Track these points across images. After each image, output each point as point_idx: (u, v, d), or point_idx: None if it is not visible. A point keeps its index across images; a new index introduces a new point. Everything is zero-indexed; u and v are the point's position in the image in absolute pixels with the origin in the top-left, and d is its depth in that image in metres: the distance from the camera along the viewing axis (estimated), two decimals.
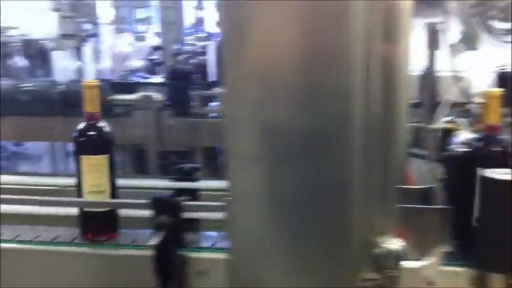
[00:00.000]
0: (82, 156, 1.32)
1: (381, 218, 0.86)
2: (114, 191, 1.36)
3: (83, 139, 1.33)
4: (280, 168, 0.86)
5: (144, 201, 1.28)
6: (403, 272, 0.88)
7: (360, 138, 0.81)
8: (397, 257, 0.87)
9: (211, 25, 3.29)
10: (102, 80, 2.91)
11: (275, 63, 0.84)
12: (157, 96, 2.75)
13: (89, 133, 1.33)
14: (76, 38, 2.77)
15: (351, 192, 0.83)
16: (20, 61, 2.85)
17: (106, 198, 1.34)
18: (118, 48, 3.02)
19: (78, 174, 1.33)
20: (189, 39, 3.13)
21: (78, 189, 1.34)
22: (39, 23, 3.23)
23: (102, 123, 1.33)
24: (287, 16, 0.82)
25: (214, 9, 3.25)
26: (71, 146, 3.05)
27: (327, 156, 0.83)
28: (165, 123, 2.81)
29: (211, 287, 1.24)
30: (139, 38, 3.13)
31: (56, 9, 2.75)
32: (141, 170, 2.95)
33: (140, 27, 3.15)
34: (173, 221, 1.19)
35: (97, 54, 3.02)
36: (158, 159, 2.81)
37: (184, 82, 2.86)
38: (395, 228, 0.88)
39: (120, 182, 1.64)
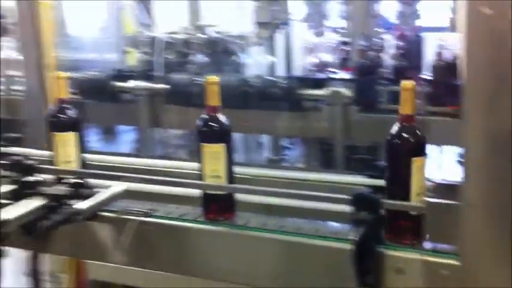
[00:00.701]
0: (203, 144, 1.49)
1: None
2: (232, 177, 1.52)
3: (204, 129, 1.52)
4: None
5: (342, 196, 1.33)
6: None
7: None
8: None
9: (398, 19, 3.23)
10: (291, 76, 3.07)
11: None
12: (345, 91, 2.78)
13: (210, 124, 1.51)
14: (270, 26, 2.92)
15: None
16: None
17: (223, 183, 1.50)
18: (307, 43, 3.13)
19: (199, 160, 1.51)
20: (378, 33, 3.12)
21: (201, 174, 1.52)
22: (235, 20, 3.47)
23: (221, 116, 1.51)
24: None
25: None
26: (263, 138, 3.22)
27: None
28: (352, 119, 2.84)
29: (407, 286, 1.26)
30: (329, 33, 3.20)
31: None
32: (327, 164, 3.03)
33: (330, 23, 3.21)
34: (373, 218, 1.22)
35: (287, 50, 3.16)
36: (344, 154, 2.85)
37: (371, 77, 2.86)
38: None
39: (305, 175, 1.73)
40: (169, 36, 3.27)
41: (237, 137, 3.42)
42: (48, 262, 3.47)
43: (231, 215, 1.54)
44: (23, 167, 1.60)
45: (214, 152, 1.49)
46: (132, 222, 1.53)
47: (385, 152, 1.36)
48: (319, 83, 2.91)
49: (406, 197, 1.30)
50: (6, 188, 1.61)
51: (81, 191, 1.52)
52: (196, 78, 3.05)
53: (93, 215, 1.51)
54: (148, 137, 3.32)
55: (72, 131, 1.72)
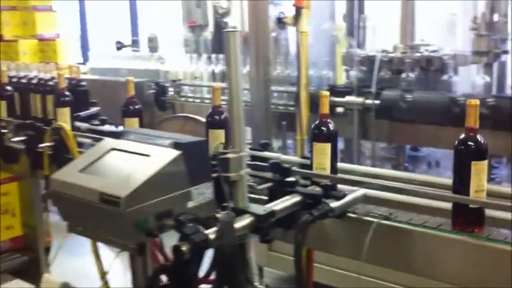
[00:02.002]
0: (314, 142, 1.91)
1: None
2: (334, 169, 1.91)
3: (316, 131, 1.91)
4: None
5: None
6: None
7: None
8: None
9: None
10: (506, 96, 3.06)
11: None
12: None
13: (320, 127, 1.90)
14: (489, 55, 2.97)
15: None
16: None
17: (327, 173, 1.89)
18: None
19: (311, 156, 1.93)
20: None
21: (310, 167, 1.92)
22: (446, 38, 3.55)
23: (330, 122, 1.89)
24: None
25: None
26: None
27: None
28: None
29: None
30: None
31: (473, 29, 3.00)
32: None
33: None
34: None
35: (505, 70, 3.15)
36: None
37: None
38: None
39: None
40: (382, 54, 3.46)
41: (444, 153, 3.50)
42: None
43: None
44: (281, 169, 1.89)
45: (321, 149, 1.90)
46: (373, 224, 1.73)
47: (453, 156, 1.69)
48: None
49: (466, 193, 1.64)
50: (263, 186, 1.92)
51: (332, 192, 1.76)
52: (406, 96, 3.22)
53: (342, 213, 1.75)
54: (357, 148, 3.54)
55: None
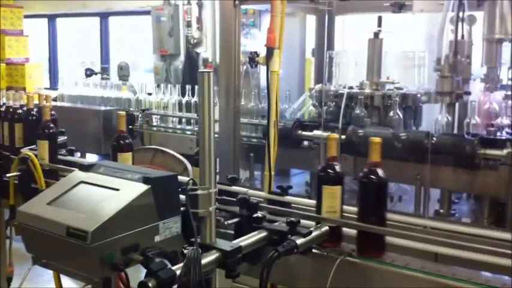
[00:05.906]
0: (322, 186, 1.88)
1: None
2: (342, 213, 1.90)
3: (322, 174, 1.89)
4: None
5: None
6: None
7: None
8: None
9: None
10: (470, 135, 3.17)
11: None
12: None
13: (328, 170, 1.88)
14: (452, 95, 3.08)
15: None
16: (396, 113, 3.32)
17: (338, 217, 1.88)
18: (486, 104, 3.21)
19: (319, 199, 1.88)
20: None
21: (318, 210, 1.90)
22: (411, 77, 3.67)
23: (337, 164, 1.88)
24: None
25: None
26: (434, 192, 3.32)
27: None
28: None
29: None
30: (507, 94, 3.25)
31: (437, 70, 3.11)
32: (498, 223, 3.07)
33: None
34: None
35: (466, 110, 3.26)
36: None
37: None
38: None
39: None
40: (349, 90, 3.54)
41: (409, 188, 3.58)
42: None
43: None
44: (248, 205, 1.92)
45: (331, 193, 1.88)
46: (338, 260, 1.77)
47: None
48: (497, 144, 2.99)
49: None
50: (231, 221, 1.95)
51: (298, 228, 1.79)
52: (358, 131, 3.31)
53: (307, 250, 1.79)
54: None
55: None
